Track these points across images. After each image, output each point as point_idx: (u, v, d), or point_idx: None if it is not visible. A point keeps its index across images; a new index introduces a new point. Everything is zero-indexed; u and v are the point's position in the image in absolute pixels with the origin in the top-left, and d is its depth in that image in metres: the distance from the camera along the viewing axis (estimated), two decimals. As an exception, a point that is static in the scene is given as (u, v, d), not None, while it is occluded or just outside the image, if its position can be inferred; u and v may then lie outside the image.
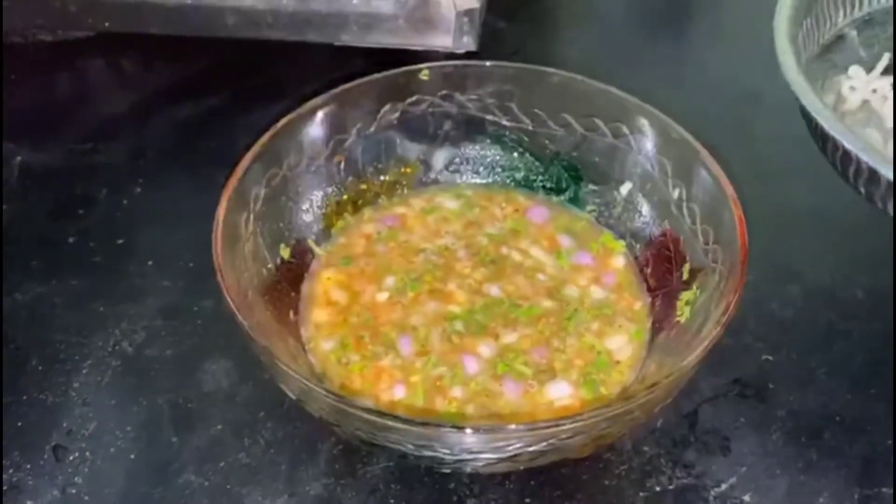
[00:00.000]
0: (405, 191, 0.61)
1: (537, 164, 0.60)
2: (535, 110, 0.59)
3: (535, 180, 0.61)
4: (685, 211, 0.54)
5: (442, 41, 0.70)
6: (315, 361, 0.52)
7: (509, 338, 0.53)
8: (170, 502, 0.51)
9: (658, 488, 0.51)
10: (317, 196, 0.58)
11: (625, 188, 0.58)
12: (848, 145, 0.53)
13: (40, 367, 0.56)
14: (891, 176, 0.52)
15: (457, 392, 0.51)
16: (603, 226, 0.59)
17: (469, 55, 0.70)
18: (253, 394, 0.55)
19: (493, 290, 0.55)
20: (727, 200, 0.50)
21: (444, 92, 0.59)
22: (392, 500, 0.51)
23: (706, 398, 0.55)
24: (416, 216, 0.60)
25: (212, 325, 0.58)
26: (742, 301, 0.47)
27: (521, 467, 0.48)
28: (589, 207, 0.60)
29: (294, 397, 0.47)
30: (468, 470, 0.50)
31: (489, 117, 0.60)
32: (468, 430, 0.42)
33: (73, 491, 0.51)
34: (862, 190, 0.56)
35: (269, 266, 0.54)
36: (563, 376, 0.52)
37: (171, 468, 0.52)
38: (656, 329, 0.54)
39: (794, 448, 0.53)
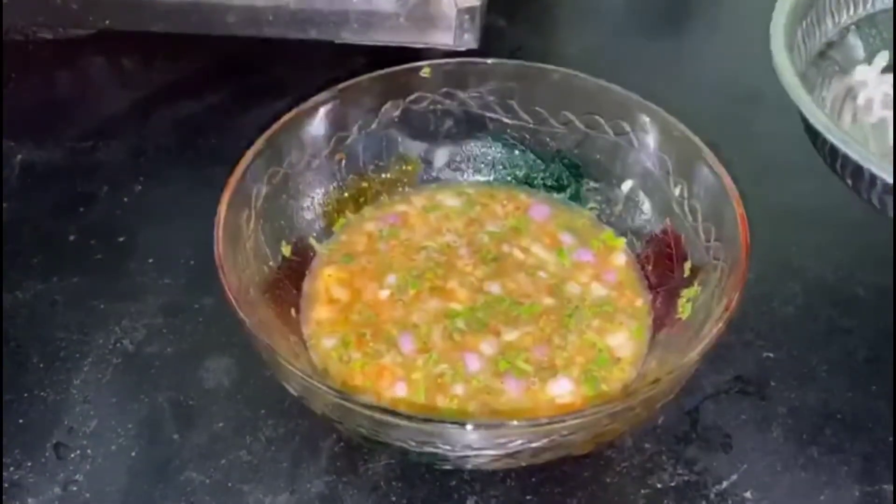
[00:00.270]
0: (406, 188, 0.61)
1: (538, 161, 0.60)
2: (537, 108, 0.59)
3: (536, 178, 0.61)
4: (686, 208, 0.54)
5: (443, 39, 0.70)
6: (316, 359, 0.52)
7: (510, 335, 0.53)
8: (171, 500, 0.51)
9: (659, 485, 0.51)
10: (318, 194, 0.58)
11: (626, 185, 0.58)
12: (853, 155, 0.53)
13: (41, 365, 0.56)
14: (887, 178, 0.52)
15: (458, 389, 0.51)
16: (604, 223, 0.59)
17: (470, 53, 0.70)
18: (254, 391, 0.55)
19: (495, 288, 0.55)
20: (729, 198, 0.50)
21: (445, 89, 0.59)
22: (393, 498, 0.51)
23: (707, 395, 0.55)
24: (418, 214, 0.60)
25: (213, 323, 0.58)
26: (743, 298, 0.47)
27: (523, 464, 0.48)
28: (590, 205, 0.60)
29: (296, 394, 0.47)
30: (469, 467, 0.50)
31: (490, 115, 0.60)
32: (470, 426, 0.42)
33: (75, 488, 0.51)
34: (860, 191, 0.56)
35: (271, 264, 0.54)
36: (564, 373, 0.52)
37: (173, 465, 0.52)
38: (657, 326, 0.54)
39: (795, 445, 0.53)
